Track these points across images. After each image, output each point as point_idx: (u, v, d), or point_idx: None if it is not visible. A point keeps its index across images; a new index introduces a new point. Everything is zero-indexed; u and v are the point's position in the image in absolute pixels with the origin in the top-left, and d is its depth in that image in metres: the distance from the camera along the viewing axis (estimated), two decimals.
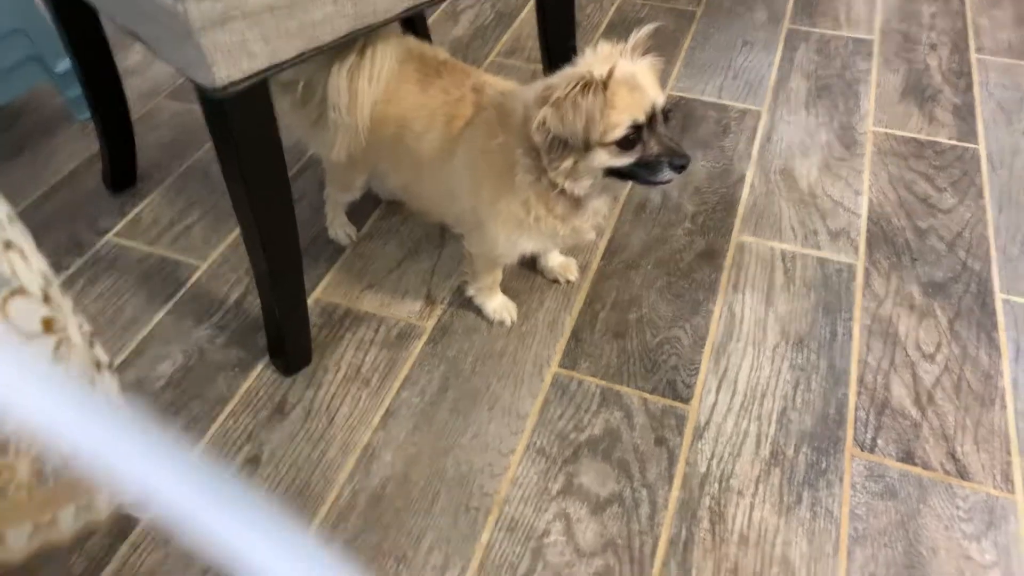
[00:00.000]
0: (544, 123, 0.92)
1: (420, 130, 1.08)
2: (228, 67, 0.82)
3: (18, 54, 1.49)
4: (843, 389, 1.16)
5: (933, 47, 1.86)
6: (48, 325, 0.32)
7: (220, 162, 0.97)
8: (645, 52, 0.98)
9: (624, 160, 0.94)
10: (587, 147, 0.92)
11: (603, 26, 1.94)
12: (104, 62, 1.33)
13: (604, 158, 0.94)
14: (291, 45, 0.86)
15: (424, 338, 1.23)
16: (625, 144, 0.92)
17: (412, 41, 1.13)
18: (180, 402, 1.14)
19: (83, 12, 1.23)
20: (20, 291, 0.31)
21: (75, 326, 0.35)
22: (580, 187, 0.98)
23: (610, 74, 0.90)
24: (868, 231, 1.40)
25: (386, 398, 1.15)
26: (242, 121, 0.89)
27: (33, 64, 1.53)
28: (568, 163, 0.94)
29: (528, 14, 1.98)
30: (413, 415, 1.13)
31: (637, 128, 0.92)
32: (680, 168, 0.94)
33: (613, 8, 2.00)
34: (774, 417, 1.12)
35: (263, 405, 1.14)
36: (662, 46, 1.85)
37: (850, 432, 1.10)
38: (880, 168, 1.53)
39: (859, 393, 1.15)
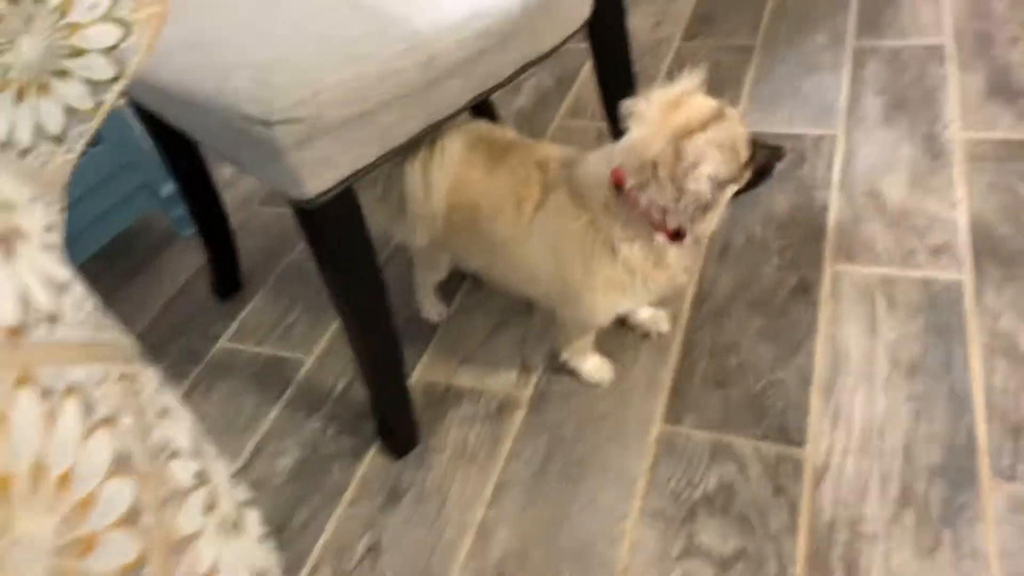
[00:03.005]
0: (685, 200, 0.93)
1: (491, 214, 1.10)
2: (316, 179, 0.88)
3: (131, 184, 1.63)
4: (969, 415, 1.09)
5: (1014, 40, 1.78)
6: (200, 477, 0.36)
7: (317, 263, 1.03)
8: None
9: (746, 176, 0.99)
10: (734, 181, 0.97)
11: (661, 75, 1.96)
12: (203, 182, 1.45)
13: (734, 186, 0.99)
14: (370, 151, 0.91)
15: (524, 408, 1.24)
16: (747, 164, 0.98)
17: (482, 125, 1.17)
18: (300, 495, 1.19)
19: (183, 141, 1.34)
20: (175, 453, 0.35)
21: (219, 469, 0.39)
22: (711, 224, 1.02)
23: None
24: (972, 243, 1.33)
25: (494, 473, 1.16)
26: (334, 225, 0.94)
27: (144, 191, 1.67)
28: (714, 212, 0.99)
29: (587, 74, 2.02)
30: (523, 488, 1.13)
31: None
32: (782, 156, 1.00)
33: (670, 55, 2.02)
34: (898, 453, 1.07)
35: (378, 491, 1.17)
36: (723, 85, 1.85)
37: (985, 461, 1.04)
38: (975, 175, 1.47)
39: (989, 418, 1.08)
